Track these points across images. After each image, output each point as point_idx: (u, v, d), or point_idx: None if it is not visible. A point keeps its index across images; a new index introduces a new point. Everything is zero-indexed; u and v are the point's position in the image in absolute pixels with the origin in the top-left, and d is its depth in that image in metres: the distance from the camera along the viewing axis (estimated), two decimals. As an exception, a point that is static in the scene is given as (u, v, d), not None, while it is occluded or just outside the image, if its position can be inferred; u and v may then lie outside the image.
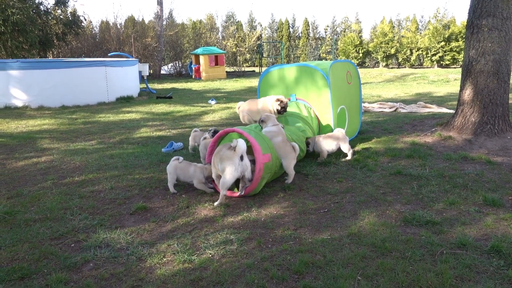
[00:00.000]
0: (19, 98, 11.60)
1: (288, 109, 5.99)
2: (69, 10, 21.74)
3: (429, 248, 3.18)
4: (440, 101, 11.55)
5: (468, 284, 2.70)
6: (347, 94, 6.69)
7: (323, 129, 6.07)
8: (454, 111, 6.85)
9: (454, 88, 14.15)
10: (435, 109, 9.91)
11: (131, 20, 25.17)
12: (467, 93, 6.38)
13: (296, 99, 6.18)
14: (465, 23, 6.52)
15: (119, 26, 24.41)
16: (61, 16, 20.72)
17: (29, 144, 7.21)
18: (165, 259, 3.15)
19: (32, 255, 3.23)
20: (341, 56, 27.98)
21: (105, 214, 4.03)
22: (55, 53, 22.46)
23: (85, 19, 23.72)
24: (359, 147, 6.32)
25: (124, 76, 13.41)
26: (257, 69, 28.01)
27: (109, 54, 18.15)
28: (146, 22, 25.11)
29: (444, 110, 9.70)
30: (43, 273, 2.99)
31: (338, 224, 3.69)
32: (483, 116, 6.24)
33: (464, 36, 6.63)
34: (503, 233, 3.38)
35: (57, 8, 20.52)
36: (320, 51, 31.83)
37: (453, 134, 6.41)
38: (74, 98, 12.00)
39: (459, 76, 6.72)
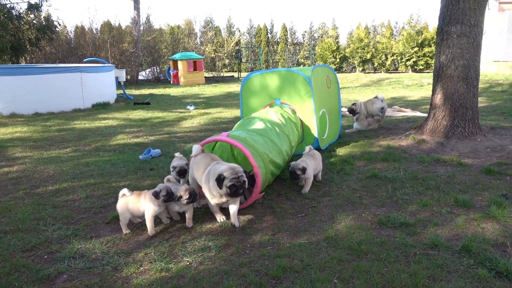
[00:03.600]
0: (-11, 106, 11.23)
1: (273, 113, 5.89)
2: (43, 14, 21.24)
3: (403, 249, 3.26)
4: (414, 105, 11.87)
5: (440, 284, 2.78)
6: (327, 98, 6.82)
7: (306, 132, 6.14)
8: (427, 115, 7.05)
9: (428, 92, 14.56)
10: (409, 113, 10.17)
11: (107, 25, 24.76)
12: (439, 98, 6.59)
13: (281, 103, 6.23)
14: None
15: (94, 31, 23.98)
16: (34, 21, 20.19)
17: (0, 153, 6.98)
18: (141, 268, 3.12)
19: (3, 268, 3.12)
20: (318, 61, 28.37)
21: (79, 224, 3.94)
22: (28, 59, 21.85)
23: (60, 24, 23.19)
24: (336, 151, 6.41)
25: (100, 82, 13.17)
26: (236, 74, 28.04)
27: (84, 60, 17.79)
28: (123, 27, 24.75)
29: (418, 114, 9.96)
30: (14, 286, 2.90)
31: (315, 228, 3.73)
32: (454, 120, 6.45)
33: (436, 42, 6.84)
34: (473, 233, 3.50)
35: (30, 12, 19.98)
36: (298, 56, 32.18)
37: (426, 137, 6.60)
38: (48, 105, 11.70)
39: (432, 80, 6.93)
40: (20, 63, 20.27)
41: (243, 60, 32.02)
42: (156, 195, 3.70)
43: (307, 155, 4.97)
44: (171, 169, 4.81)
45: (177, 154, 5.09)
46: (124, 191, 3.84)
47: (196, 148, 4.28)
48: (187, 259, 3.22)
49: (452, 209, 4.03)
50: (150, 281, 2.93)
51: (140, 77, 24.12)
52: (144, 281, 2.93)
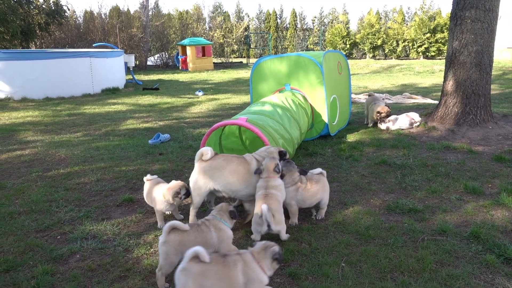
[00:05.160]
0: (1, 90, 11.35)
1: (283, 98, 5.82)
2: (52, -1, 21.21)
3: (411, 235, 3.27)
4: (425, 92, 11.71)
5: (448, 269, 2.79)
6: (338, 84, 6.76)
7: (316, 118, 6.11)
8: (438, 102, 6.97)
9: (439, 79, 14.34)
10: (420, 100, 10.05)
11: (116, 10, 24.72)
12: (450, 84, 6.49)
13: (291, 89, 6.18)
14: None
15: (103, 16, 23.95)
16: (43, 6, 20.20)
17: (13, 136, 7.09)
18: (152, 250, 3.17)
19: (18, 248, 3.21)
20: (328, 47, 28.02)
21: (91, 206, 4.01)
22: (38, 43, 21.94)
23: (69, 9, 23.17)
24: (345, 137, 6.39)
25: (110, 67, 13.21)
26: (244, 60, 27.88)
27: (93, 45, 17.82)
28: (132, 12, 24.68)
29: (428, 100, 9.84)
30: (28, 265, 2.98)
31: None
32: (465, 107, 6.36)
33: (449, 28, 6.69)
34: (482, 219, 3.49)
35: (39, -3, 19.99)
36: (308, 42, 31.83)
37: (436, 124, 6.53)
38: (58, 90, 11.79)
39: (444, 67, 6.82)
40: (30, 48, 20.37)
41: (252, 46, 31.77)
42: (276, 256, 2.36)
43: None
44: (174, 195, 3.43)
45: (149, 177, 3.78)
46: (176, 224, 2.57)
47: (207, 150, 3.45)
48: (196, 242, 3.27)
49: (462, 196, 4.02)
50: (161, 262, 2.98)
51: (148, 63, 24.14)
52: (155, 262, 2.98)
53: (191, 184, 3.49)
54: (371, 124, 7.06)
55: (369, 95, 7.74)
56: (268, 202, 3.08)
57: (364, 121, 7.45)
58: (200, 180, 3.44)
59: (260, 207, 3.03)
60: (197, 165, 3.46)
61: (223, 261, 2.28)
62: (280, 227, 3.10)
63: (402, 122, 6.67)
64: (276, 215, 3.08)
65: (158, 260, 3.00)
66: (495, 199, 3.88)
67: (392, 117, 6.79)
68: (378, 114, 6.80)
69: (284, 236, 3.17)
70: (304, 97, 6.07)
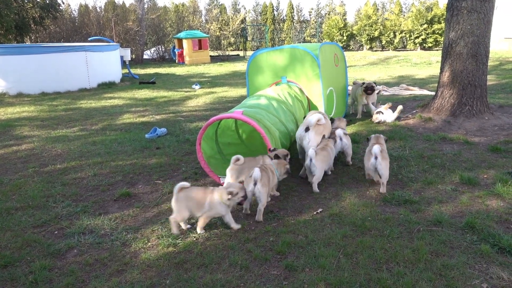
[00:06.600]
0: (-4, 85, 11.29)
1: (280, 91, 5.83)
2: (46, -7, 20.96)
3: (407, 226, 3.29)
4: (422, 83, 11.71)
5: (443, 259, 2.81)
6: (334, 76, 6.75)
7: (313, 110, 6.10)
8: (435, 93, 6.97)
9: (436, 70, 14.31)
10: (416, 91, 10.05)
11: (111, 3, 24.47)
12: (447, 75, 6.49)
13: (287, 81, 6.17)
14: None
15: (98, 10, 23.75)
16: (37, -1, 20.01)
17: (8, 132, 7.06)
18: (149, 244, 3.19)
19: (15, 243, 3.22)
20: (325, 39, 27.92)
21: (88, 201, 4.02)
22: (32, 38, 21.74)
23: (63, 2, 22.92)
24: (341, 129, 6.39)
25: (106, 61, 13.13)
26: (241, 53, 27.74)
27: (89, 39, 17.67)
28: (127, 5, 24.49)
29: (425, 92, 9.84)
30: (26, 260, 2.99)
31: (320, 205, 3.77)
32: (461, 98, 6.37)
33: (445, 19, 6.67)
34: (477, 210, 3.52)
35: (33, -9, 19.76)
36: (305, 34, 31.68)
37: (433, 116, 6.54)
38: (54, 85, 11.72)
39: (441, 58, 6.81)
40: (25, 43, 20.20)
41: (248, 39, 31.60)
42: None
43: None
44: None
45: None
46: None
47: (321, 116, 4.61)
48: (193, 235, 3.28)
49: (457, 186, 4.04)
50: (158, 255, 3.00)
51: (145, 56, 23.98)
52: (152, 255, 3.00)
53: (312, 144, 4.41)
54: (360, 115, 7.15)
55: (354, 83, 7.59)
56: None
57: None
58: (318, 137, 4.53)
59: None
60: (315, 128, 4.49)
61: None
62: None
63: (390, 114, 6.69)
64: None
65: (156, 254, 3.02)
66: (490, 189, 3.90)
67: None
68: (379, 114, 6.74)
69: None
70: (300, 90, 6.06)
